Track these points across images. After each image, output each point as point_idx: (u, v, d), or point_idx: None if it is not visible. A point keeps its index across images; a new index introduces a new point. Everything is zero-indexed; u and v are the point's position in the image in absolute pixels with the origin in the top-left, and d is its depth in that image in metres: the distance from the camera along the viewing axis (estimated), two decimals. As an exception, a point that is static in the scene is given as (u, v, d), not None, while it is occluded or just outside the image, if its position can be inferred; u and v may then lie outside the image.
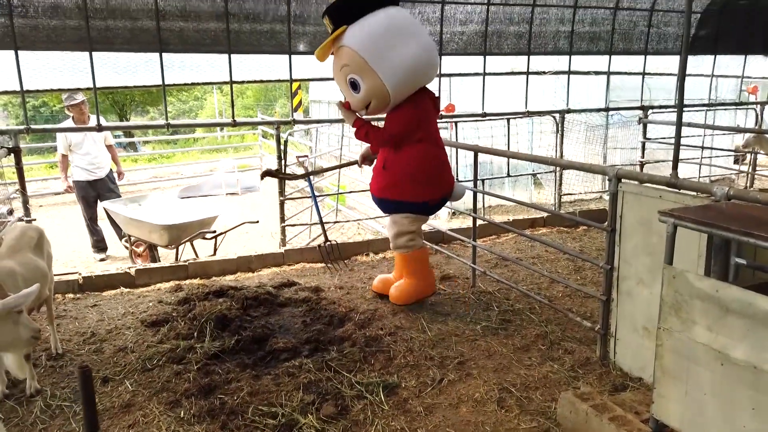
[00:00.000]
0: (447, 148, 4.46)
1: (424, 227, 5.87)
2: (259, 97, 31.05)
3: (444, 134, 9.20)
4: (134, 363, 3.51)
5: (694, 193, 2.98)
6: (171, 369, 3.42)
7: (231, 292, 4.45)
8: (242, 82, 5.58)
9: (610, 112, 8.17)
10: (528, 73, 6.88)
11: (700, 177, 8.55)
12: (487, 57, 6.56)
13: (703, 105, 8.78)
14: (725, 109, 9.61)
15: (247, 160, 16.27)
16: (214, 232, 6.33)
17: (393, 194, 4.12)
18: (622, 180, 3.24)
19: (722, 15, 7.81)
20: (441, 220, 7.73)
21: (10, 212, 6.37)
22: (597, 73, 7.46)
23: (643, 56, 7.58)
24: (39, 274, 3.19)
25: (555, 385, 3.25)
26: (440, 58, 6.32)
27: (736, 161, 9.77)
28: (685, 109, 3.31)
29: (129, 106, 23.22)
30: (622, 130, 8.74)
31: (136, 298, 4.66)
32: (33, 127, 5.02)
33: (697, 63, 8.22)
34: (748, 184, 8.52)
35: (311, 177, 5.52)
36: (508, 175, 7.76)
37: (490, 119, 7.14)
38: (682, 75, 3.09)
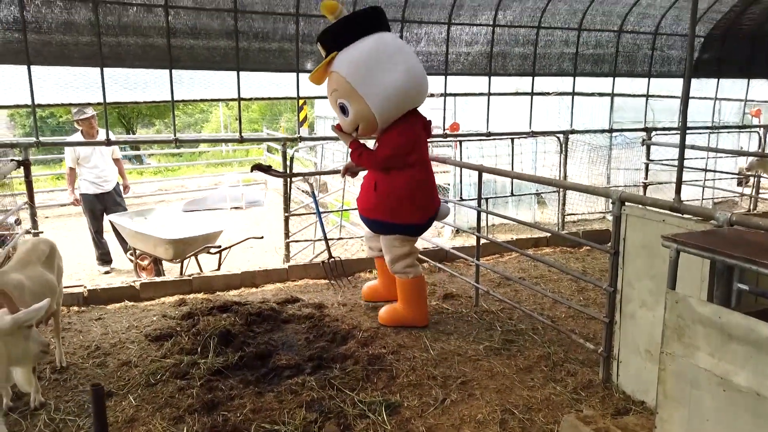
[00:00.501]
0: (450, 167, 4.54)
1: (428, 245, 5.95)
2: (265, 111, 31.24)
3: (448, 152, 9.27)
4: (138, 378, 3.52)
5: (698, 218, 3.00)
6: (174, 384, 3.43)
7: (235, 308, 4.47)
8: (250, 99, 5.66)
9: (614, 133, 8.23)
10: (532, 93, 6.95)
11: (703, 199, 8.58)
12: (492, 77, 6.64)
13: (707, 127, 8.83)
14: (728, 132, 9.66)
15: (251, 174, 16.32)
16: (219, 246, 6.37)
17: (384, 216, 4.22)
18: (626, 203, 3.27)
19: (725, 39, 7.89)
20: (444, 239, 7.75)
21: (18, 222, 6.43)
22: (601, 94, 7.53)
23: (646, 78, 7.66)
24: (47, 288, 3.22)
25: (558, 407, 3.25)
26: (445, 78, 6.42)
27: (739, 184, 9.79)
28: (688, 131, 3.36)
29: (135, 119, 23.42)
30: (626, 151, 8.78)
31: (141, 311, 4.68)
32: (43, 140, 5.10)
33: (701, 86, 8.29)
34: (751, 207, 8.53)
35: (316, 193, 5.60)
36: (512, 195, 7.80)
37: (495, 138, 7.20)
38: (685, 98, 3.13)
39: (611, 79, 7.43)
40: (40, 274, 3.24)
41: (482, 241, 4.98)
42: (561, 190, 7.28)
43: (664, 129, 8.16)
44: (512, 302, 4.52)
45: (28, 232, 4.82)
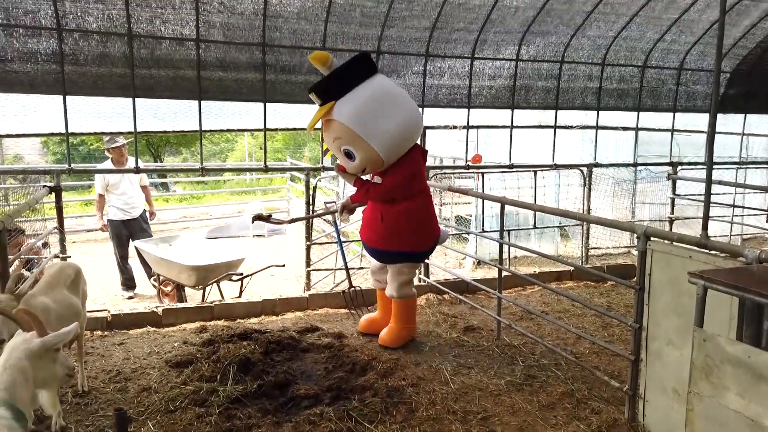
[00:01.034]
0: (472, 199, 4.61)
1: (449, 277, 5.94)
2: (288, 141, 31.70)
3: (470, 184, 9.26)
4: (157, 404, 3.53)
5: (725, 254, 2.94)
6: (193, 412, 3.43)
7: (255, 336, 4.47)
8: (275, 130, 5.77)
9: (639, 167, 8.16)
10: (555, 127, 6.95)
11: (731, 235, 8.40)
12: (514, 110, 6.67)
13: (734, 163, 8.71)
14: (756, 168, 9.51)
15: (275, 202, 16.51)
16: (241, 274, 6.42)
17: (394, 245, 4.36)
18: (651, 238, 3.22)
19: (752, 74, 7.84)
20: (465, 270, 7.70)
21: (45, 245, 6.57)
22: (625, 128, 7.50)
23: (671, 113, 7.61)
24: (72, 312, 3.27)
25: (581, 446, 3.16)
26: (468, 111, 6.47)
27: (768, 220, 9.58)
28: (715, 166, 3.31)
29: (163, 147, 23.95)
30: (651, 184, 8.69)
31: (162, 337, 4.72)
32: (75, 167, 5.24)
33: (727, 121, 8.22)
34: (781, 243, 8.34)
35: (338, 223, 5.62)
36: (534, 227, 7.74)
37: (517, 171, 7.19)
38: (711, 133, 3.10)
39: (635, 113, 7.40)
40: (65, 298, 3.30)
41: (504, 273, 4.94)
42: (584, 223, 7.20)
43: (690, 164, 8.08)
44: (535, 336, 4.45)
45: (56, 256, 4.92)
